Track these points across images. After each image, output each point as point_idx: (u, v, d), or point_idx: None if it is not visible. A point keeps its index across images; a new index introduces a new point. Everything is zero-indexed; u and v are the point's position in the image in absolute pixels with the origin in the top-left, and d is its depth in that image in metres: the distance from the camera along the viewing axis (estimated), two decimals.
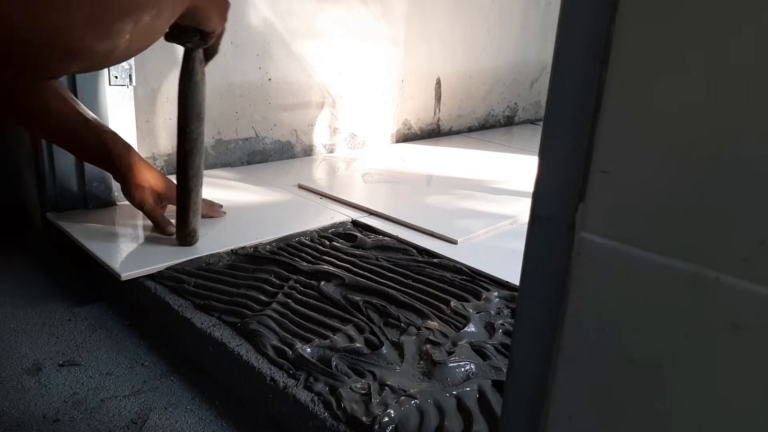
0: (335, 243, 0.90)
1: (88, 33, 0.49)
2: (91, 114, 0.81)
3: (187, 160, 0.78)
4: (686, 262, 0.26)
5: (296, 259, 0.83)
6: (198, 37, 0.71)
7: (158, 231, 0.87)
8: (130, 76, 0.96)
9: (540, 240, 0.31)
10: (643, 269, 0.27)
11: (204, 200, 0.95)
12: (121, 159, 0.82)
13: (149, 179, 0.84)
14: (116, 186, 0.99)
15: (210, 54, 0.77)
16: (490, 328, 0.69)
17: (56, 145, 0.86)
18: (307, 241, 0.90)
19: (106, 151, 0.80)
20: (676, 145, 0.26)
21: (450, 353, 0.63)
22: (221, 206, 0.97)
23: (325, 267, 0.81)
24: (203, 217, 0.92)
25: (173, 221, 0.87)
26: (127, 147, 0.83)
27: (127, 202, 0.96)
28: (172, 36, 0.70)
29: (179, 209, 0.82)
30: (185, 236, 0.83)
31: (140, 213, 0.89)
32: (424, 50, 1.63)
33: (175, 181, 0.82)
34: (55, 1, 0.46)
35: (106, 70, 0.93)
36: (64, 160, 0.93)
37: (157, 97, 1.14)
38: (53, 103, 0.76)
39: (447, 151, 1.60)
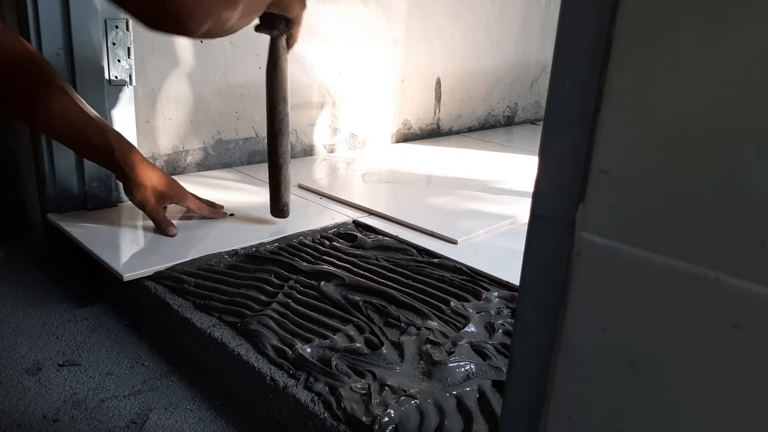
0: (335, 243, 0.90)
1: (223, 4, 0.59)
2: (94, 112, 0.81)
3: (276, 139, 0.86)
4: (686, 262, 0.26)
5: (296, 259, 0.83)
6: (284, 24, 0.79)
7: (159, 232, 0.87)
8: (130, 76, 0.96)
9: (540, 240, 0.31)
10: (643, 269, 0.27)
11: (205, 201, 0.95)
12: (124, 158, 0.82)
13: (152, 178, 0.84)
14: (116, 186, 0.99)
15: (291, 42, 0.84)
16: (490, 328, 0.69)
17: (58, 142, 0.85)
18: (307, 241, 0.90)
19: (109, 149, 0.81)
20: (676, 145, 0.26)
21: (450, 353, 0.63)
22: (222, 207, 0.97)
23: (325, 267, 0.81)
24: (204, 218, 0.92)
25: (173, 222, 0.88)
26: (130, 146, 0.83)
27: (127, 203, 0.96)
28: (262, 25, 0.79)
29: (272, 185, 0.90)
30: (279, 210, 0.91)
31: (140, 213, 0.89)
32: (424, 50, 1.63)
33: (177, 181, 0.86)
34: None
35: (105, 70, 0.93)
36: (64, 161, 0.93)
37: (157, 97, 1.14)
38: (57, 99, 0.76)
39: (447, 151, 1.60)
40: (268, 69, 0.84)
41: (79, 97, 0.80)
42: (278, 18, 0.78)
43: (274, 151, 0.87)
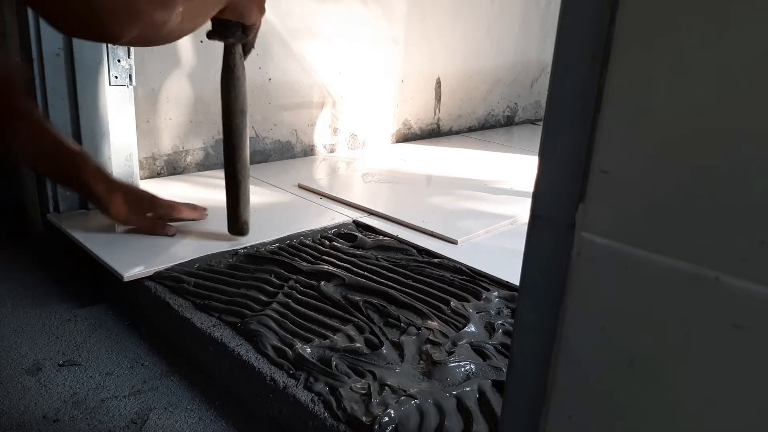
0: (335, 243, 0.90)
1: (149, 4, 0.53)
2: (62, 134, 0.80)
3: (234, 153, 0.81)
4: (686, 262, 0.26)
5: (296, 259, 0.83)
6: (240, 31, 0.73)
7: (156, 235, 0.86)
8: (130, 76, 0.96)
9: (540, 240, 0.32)
10: (643, 269, 0.27)
11: (183, 205, 0.93)
12: (92, 178, 0.81)
13: (123, 192, 0.83)
14: None
15: (248, 49, 0.79)
16: (490, 328, 0.69)
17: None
18: (307, 241, 0.90)
19: (76, 170, 0.80)
20: (676, 144, 0.26)
21: (450, 353, 0.63)
22: (205, 209, 0.95)
23: (325, 267, 0.81)
24: (186, 220, 0.91)
25: (170, 224, 0.87)
26: (97, 166, 0.82)
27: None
28: (215, 32, 0.73)
29: (230, 202, 0.84)
30: (238, 228, 0.85)
31: (157, 203, 0.88)
32: (424, 50, 1.63)
33: (148, 191, 0.84)
34: None
35: (105, 70, 0.92)
36: None
37: (157, 97, 1.14)
38: (24, 120, 0.75)
39: (447, 151, 1.60)
40: (222, 79, 0.78)
41: (46, 118, 0.79)
42: (233, 25, 0.72)
43: (232, 167, 0.81)
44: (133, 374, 0.67)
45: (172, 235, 0.86)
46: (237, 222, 0.85)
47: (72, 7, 0.50)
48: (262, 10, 0.74)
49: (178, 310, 0.71)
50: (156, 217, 0.86)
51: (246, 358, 0.62)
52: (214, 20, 0.72)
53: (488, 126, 1.95)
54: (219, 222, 0.94)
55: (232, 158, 0.81)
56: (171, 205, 0.90)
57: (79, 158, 0.80)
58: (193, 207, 0.93)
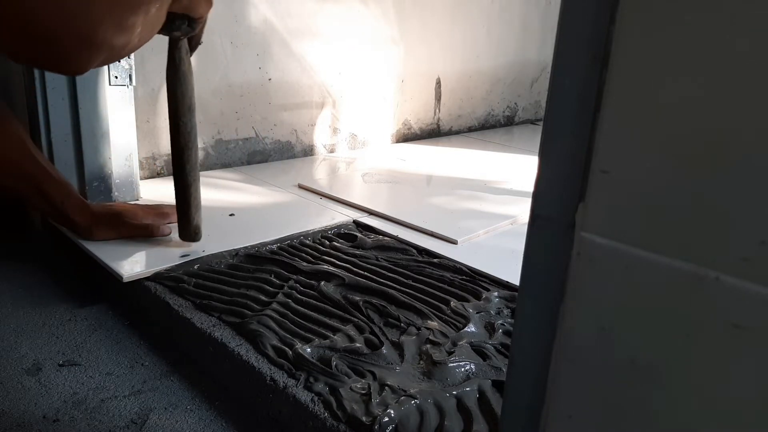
0: (335, 243, 0.90)
1: (108, 29, 0.51)
2: (47, 161, 0.80)
3: (183, 154, 0.76)
4: (686, 262, 0.26)
5: (296, 259, 0.83)
6: (185, 24, 0.69)
7: (153, 236, 0.86)
8: (130, 76, 0.96)
9: (540, 240, 0.32)
10: (643, 269, 0.27)
11: (174, 206, 0.92)
12: (75, 211, 0.81)
13: (106, 217, 0.84)
14: (116, 186, 0.99)
15: (194, 44, 0.76)
16: (490, 328, 0.69)
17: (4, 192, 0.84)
18: (307, 241, 0.90)
19: (61, 200, 0.80)
20: (676, 144, 0.26)
21: (450, 353, 0.63)
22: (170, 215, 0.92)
23: (325, 267, 0.81)
24: (174, 222, 0.87)
25: (165, 224, 0.87)
26: (80, 198, 0.83)
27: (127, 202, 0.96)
28: (169, 29, 0.69)
29: (179, 206, 0.80)
30: (189, 234, 0.81)
31: (140, 213, 0.89)
32: (424, 50, 1.63)
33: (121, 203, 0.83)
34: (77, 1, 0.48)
35: (106, 70, 0.92)
36: (63, 161, 0.93)
37: (157, 97, 1.14)
38: (11, 144, 0.75)
39: (447, 151, 1.60)
40: (168, 75, 0.74)
41: (34, 145, 0.79)
42: (179, 17, 0.68)
43: (181, 168, 0.76)
44: (133, 374, 0.67)
45: (168, 234, 0.86)
46: (189, 226, 0.81)
47: (33, 45, 0.49)
48: (209, 3, 0.71)
49: (178, 310, 0.71)
50: (143, 225, 0.86)
51: (246, 358, 0.62)
52: None
53: (488, 126, 1.94)
54: (218, 222, 0.94)
55: (180, 159, 0.76)
56: (158, 212, 0.89)
57: (64, 188, 0.81)
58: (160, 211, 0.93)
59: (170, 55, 0.74)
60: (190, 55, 0.75)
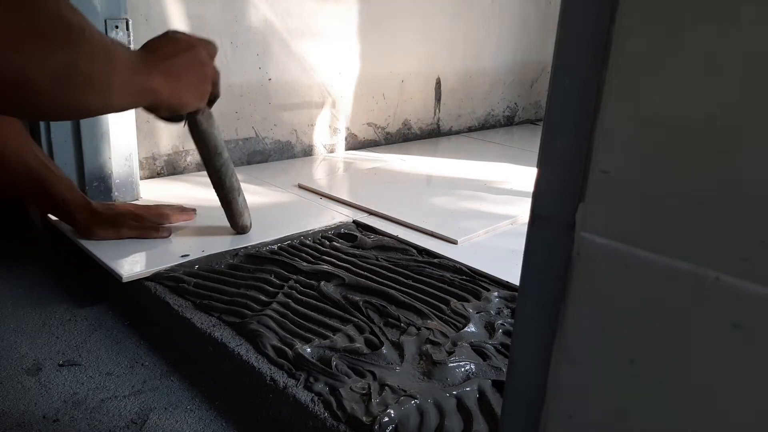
0: (335, 243, 0.90)
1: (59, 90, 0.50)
2: (49, 159, 0.80)
3: (220, 183, 0.85)
4: (686, 262, 0.26)
5: (296, 259, 0.83)
6: (182, 118, 0.75)
7: (151, 238, 0.86)
8: None
9: (540, 240, 0.31)
10: (643, 269, 0.27)
11: (171, 207, 0.93)
12: (76, 207, 0.81)
13: (107, 216, 0.84)
14: (116, 186, 0.99)
15: (212, 100, 0.78)
16: (490, 328, 0.69)
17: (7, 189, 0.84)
18: (307, 241, 0.90)
19: (62, 197, 0.80)
20: (675, 144, 0.26)
21: (450, 353, 0.63)
22: (194, 210, 0.95)
23: (325, 267, 0.81)
24: (173, 223, 0.91)
25: (162, 225, 0.88)
26: (81, 195, 0.83)
27: (127, 203, 0.96)
28: (168, 120, 0.73)
29: (227, 214, 0.88)
30: (239, 230, 0.89)
31: (139, 213, 0.89)
32: (424, 50, 1.63)
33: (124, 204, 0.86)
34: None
35: None
36: (63, 161, 0.93)
37: None
38: (13, 139, 0.76)
39: (447, 151, 1.60)
40: (191, 135, 0.80)
41: (34, 142, 0.79)
42: (175, 118, 0.74)
43: (221, 191, 0.86)
44: (133, 374, 0.67)
45: (167, 236, 0.86)
46: (236, 227, 0.89)
47: (12, 111, 0.51)
48: (201, 96, 0.71)
49: (178, 310, 0.71)
50: (144, 226, 0.86)
51: (246, 358, 0.62)
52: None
53: (488, 126, 1.94)
54: (219, 222, 0.94)
55: (219, 186, 0.86)
56: (158, 213, 0.90)
57: (65, 184, 0.81)
58: (181, 209, 0.93)
59: (189, 127, 0.80)
60: (210, 108, 0.80)
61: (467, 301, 0.74)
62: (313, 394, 0.57)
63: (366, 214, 1.03)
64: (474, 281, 0.80)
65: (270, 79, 1.30)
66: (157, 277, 0.77)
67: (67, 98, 0.50)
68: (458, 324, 0.69)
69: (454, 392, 0.57)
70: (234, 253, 0.84)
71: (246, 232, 0.90)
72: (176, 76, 0.65)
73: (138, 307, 0.78)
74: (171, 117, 0.73)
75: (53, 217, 0.91)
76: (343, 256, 0.85)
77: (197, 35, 0.72)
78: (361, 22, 1.45)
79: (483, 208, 1.10)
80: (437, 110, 1.74)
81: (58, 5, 0.47)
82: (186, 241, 0.86)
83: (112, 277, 0.76)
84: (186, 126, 0.79)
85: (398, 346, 0.64)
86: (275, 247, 0.87)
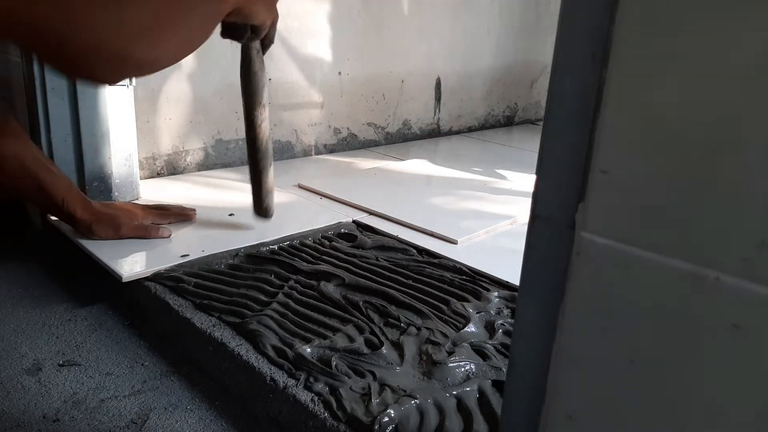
0: (335, 243, 0.90)
1: (137, 46, 0.49)
2: (48, 159, 0.80)
3: (254, 143, 0.85)
4: (686, 262, 0.26)
5: (296, 259, 0.83)
6: (249, 32, 0.73)
7: (151, 238, 0.86)
8: None
9: (540, 240, 0.31)
10: (643, 269, 0.27)
11: (173, 206, 0.93)
12: (77, 206, 0.81)
13: (107, 215, 0.84)
14: (116, 186, 0.99)
15: (267, 44, 0.79)
16: (490, 328, 0.69)
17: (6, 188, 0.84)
18: (307, 241, 0.90)
19: (62, 197, 0.80)
20: (676, 144, 0.26)
21: (450, 353, 0.63)
22: (193, 210, 0.95)
23: (325, 267, 0.81)
24: (174, 223, 0.91)
25: (164, 226, 0.88)
26: (81, 194, 0.82)
27: (128, 202, 0.96)
28: (226, 33, 0.72)
29: (254, 188, 0.88)
30: (262, 212, 0.90)
31: (139, 214, 0.89)
32: (424, 50, 1.63)
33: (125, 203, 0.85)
34: (103, 17, 0.46)
35: None
36: (63, 161, 0.93)
37: (157, 97, 1.14)
38: (12, 141, 0.76)
39: (447, 151, 1.60)
40: (241, 73, 0.81)
41: (33, 143, 0.79)
42: (241, 27, 0.71)
43: (254, 156, 0.86)
44: (133, 374, 0.67)
45: (168, 236, 0.86)
46: (260, 206, 0.90)
47: (61, 54, 0.48)
48: (271, 9, 0.72)
49: (178, 310, 0.71)
50: (144, 226, 0.86)
51: (246, 358, 0.62)
52: (222, 23, 0.70)
53: (488, 126, 1.94)
54: (219, 222, 0.94)
55: (253, 148, 0.85)
56: (158, 213, 0.90)
57: (65, 184, 0.81)
58: (181, 209, 0.93)
59: (243, 55, 0.80)
60: (263, 54, 0.81)
61: (467, 301, 0.74)
62: (313, 394, 0.57)
63: (366, 214, 1.03)
64: (474, 281, 0.80)
65: (270, 79, 1.30)
66: (157, 277, 0.77)
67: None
68: (458, 324, 0.69)
69: (454, 392, 0.57)
70: (234, 253, 0.84)
71: (268, 216, 0.90)
72: None
73: (138, 307, 0.78)
74: (233, 29, 0.71)
75: (53, 218, 0.91)
76: (343, 256, 0.85)
77: None
78: (361, 22, 1.45)
79: (483, 208, 1.10)
80: (437, 110, 1.74)
81: None
82: (186, 241, 0.86)
83: (112, 277, 0.76)
84: (240, 63, 0.80)
85: (398, 346, 0.64)
86: (275, 247, 0.87)
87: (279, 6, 1.28)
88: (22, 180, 0.78)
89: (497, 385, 0.59)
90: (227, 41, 1.07)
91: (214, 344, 0.66)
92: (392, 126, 1.63)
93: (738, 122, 0.24)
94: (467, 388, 0.58)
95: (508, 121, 2.02)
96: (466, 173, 1.34)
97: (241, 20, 0.68)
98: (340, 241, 0.92)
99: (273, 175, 0.89)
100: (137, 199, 1.03)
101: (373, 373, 0.60)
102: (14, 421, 0.59)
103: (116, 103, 0.95)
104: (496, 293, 0.77)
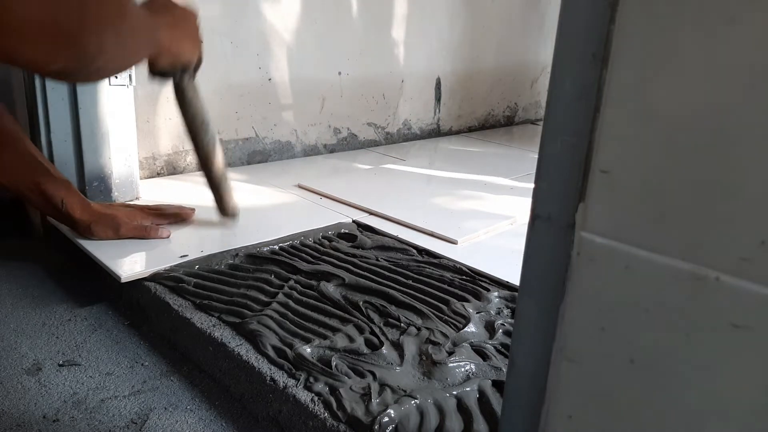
0: (335, 243, 0.90)
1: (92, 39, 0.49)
2: (46, 160, 0.80)
3: (207, 161, 0.87)
4: (686, 262, 0.26)
5: (296, 259, 0.83)
6: (179, 72, 0.77)
7: (150, 238, 0.86)
8: (130, 77, 0.96)
9: (540, 240, 0.32)
10: (643, 269, 0.27)
11: (173, 206, 0.93)
12: (76, 208, 0.81)
13: (106, 216, 0.84)
14: (116, 186, 0.99)
15: (196, 67, 0.80)
16: (490, 328, 0.69)
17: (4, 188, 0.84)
18: (307, 241, 0.90)
19: (61, 199, 0.80)
20: (675, 144, 0.26)
21: (450, 353, 0.63)
22: (193, 209, 0.94)
23: (325, 267, 0.81)
24: (172, 223, 0.91)
25: (160, 226, 0.88)
26: (80, 196, 0.83)
27: (127, 203, 0.96)
28: (156, 75, 0.75)
29: (215, 197, 0.91)
30: (227, 215, 0.92)
31: (140, 214, 0.89)
32: (424, 50, 1.63)
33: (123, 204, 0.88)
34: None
35: None
36: (63, 161, 0.93)
37: (157, 97, 1.14)
38: (10, 144, 0.76)
39: (447, 151, 1.60)
40: (177, 102, 0.83)
41: (32, 144, 0.79)
42: (168, 71, 0.75)
43: (209, 173, 0.88)
44: (133, 374, 0.67)
45: (167, 237, 0.86)
46: (226, 210, 0.92)
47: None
48: (196, 45, 0.74)
49: (178, 310, 0.71)
50: (143, 226, 0.86)
51: (246, 358, 0.62)
52: (151, 68, 0.73)
53: (488, 126, 1.94)
54: (218, 222, 0.94)
55: (206, 165, 0.87)
56: (157, 213, 0.90)
57: (64, 186, 0.81)
58: (180, 209, 0.93)
59: (174, 87, 0.81)
60: (194, 77, 0.82)
61: (467, 301, 0.74)
62: (313, 394, 0.57)
63: (366, 214, 1.03)
64: (474, 281, 0.80)
65: (270, 79, 1.30)
66: (156, 277, 0.77)
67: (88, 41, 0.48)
68: (458, 324, 0.69)
69: (454, 392, 0.57)
70: (234, 253, 0.84)
71: (236, 216, 0.92)
72: (175, 26, 0.71)
73: (138, 307, 0.78)
74: (163, 72, 0.75)
75: (52, 219, 0.91)
76: (343, 256, 0.85)
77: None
78: (361, 22, 1.45)
79: (483, 208, 1.10)
80: (437, 110, 1.74)
81: None
82: (185, 241, 0.86)
83: (112, 277, 0.76)
84: (174, 94, 0.82)
85: (398, 346, 0.64)
86: (275, 247, 0.87)
87: (280, 6, 1.28)
88: (21, 182, 0.78)
89: (497, 385, 0.59)
90: (227, 41, 1.07)
91: (214, 344, 0.66)
92: (392, 126, 1.63)
93: (738, 122, 0.24)
94: (467, 388, 0.58)
95: (508, 121, 2.02)
96: (466, 173, 1.34)
97: (169, 61, 0.72)
98: (340, 241, 0.92)
99: (229, 182, 0.91)
100: (137, 199, 1.03)
101: (373, 373, 0.60)
102: (14, 421, 0.59)
103: (116, 103, 0.95)
104: (496, 293, 0.77)
